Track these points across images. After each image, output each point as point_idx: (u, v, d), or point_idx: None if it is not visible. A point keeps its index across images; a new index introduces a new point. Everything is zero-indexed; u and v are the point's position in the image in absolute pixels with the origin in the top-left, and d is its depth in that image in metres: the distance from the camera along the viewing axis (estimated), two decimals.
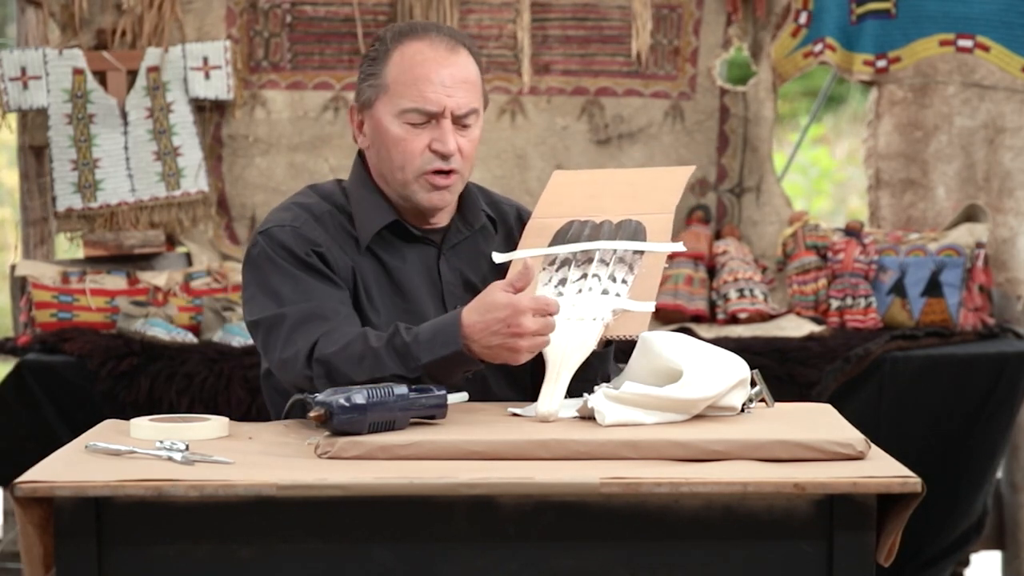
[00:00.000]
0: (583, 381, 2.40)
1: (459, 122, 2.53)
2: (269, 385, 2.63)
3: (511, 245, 2.66)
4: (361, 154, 2.63)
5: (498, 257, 2.61)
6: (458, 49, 2.55)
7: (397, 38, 2.55)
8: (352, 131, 2.62)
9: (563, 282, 2.46)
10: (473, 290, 2.58)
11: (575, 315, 2.42)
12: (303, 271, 2.50)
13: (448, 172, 2.53)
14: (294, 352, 2.42)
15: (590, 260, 2.49)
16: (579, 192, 2.66)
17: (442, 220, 2.63)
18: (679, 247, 2.53)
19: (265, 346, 2.49)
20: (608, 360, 2.56)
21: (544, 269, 2.53)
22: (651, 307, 2.42)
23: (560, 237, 2.57)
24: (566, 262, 2.51)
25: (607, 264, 2.48)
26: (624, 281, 2.45)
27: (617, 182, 2.71)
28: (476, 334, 2.32)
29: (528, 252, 2.57)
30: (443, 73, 2.51)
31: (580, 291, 2.43)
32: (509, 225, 2.70)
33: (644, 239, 2.51)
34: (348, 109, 2.63)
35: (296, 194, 2.65)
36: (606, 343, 2.50)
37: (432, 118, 2.51)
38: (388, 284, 2.57)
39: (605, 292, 2.43)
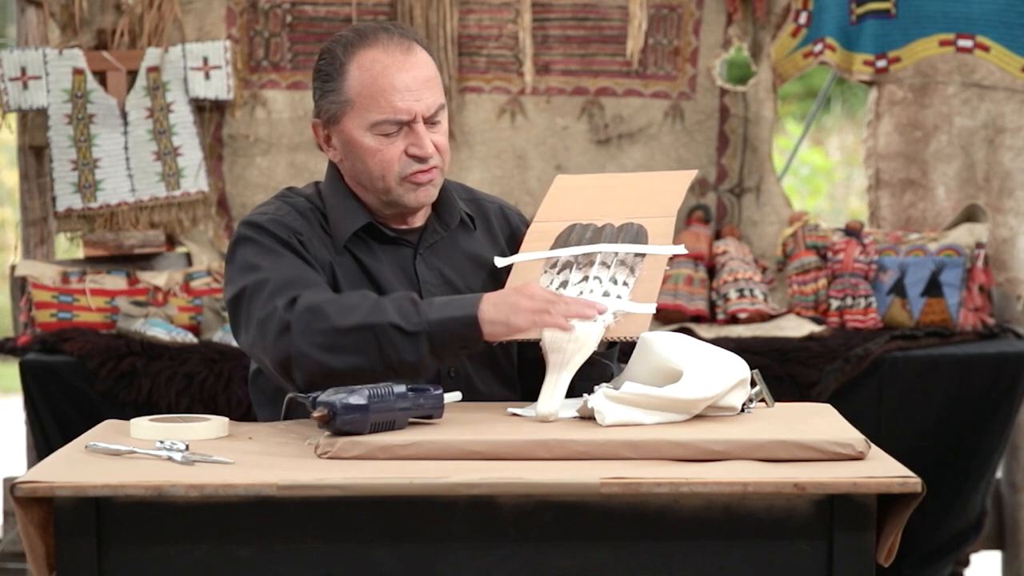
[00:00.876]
0: (585, 381, 2.40)
1: (429, 120, 2.53)
2: (256, 387, 2.63)
3: (492, 240, 2.67)
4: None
5: (500, 261, 2.61)
6: (413, 48, 2.53)
7: (348, 49, 2.53)
8: (319, 144, 2.60)
9: (564, 284, 2.46)
10: (453, 287, 2.58)
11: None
12: (284, 249, 2.50)
13: (429, 169, 2.54)
14: (272, 308, 2.40)
15: (591, 263, 2.49)
16: (581, 196, 2.66)
17: (417, 220, 2.63)
18: (680, 250, 2.53)
19: (247, 312, 2.45)
20: (612, 360, 2.56)
21: (546, 272, 2.53)
22: (652, 309, 2.42)
23: (562, 240, 2.57)
24: (568, 265, 2.51)
25: (608, 266, 2.48)
26: (625, 283, 2.45)
27: (619, 186, 2.71)
28: (488, 308, 2.34)
29: (530, 255, 2.57)
30: (406, 78, 2.50)
31: (581, 293, 2.43)
32: (489, 221, 2.70)
33: (646, 242, 2.52)
34: (311, 125, 2.61)
35: (277, 194, 2.65)
36: (608, 344, 2.49)
37: (404, 125, 2.51)
38: (366, 283, 2.56)
39: (606, 294, 2.43)
